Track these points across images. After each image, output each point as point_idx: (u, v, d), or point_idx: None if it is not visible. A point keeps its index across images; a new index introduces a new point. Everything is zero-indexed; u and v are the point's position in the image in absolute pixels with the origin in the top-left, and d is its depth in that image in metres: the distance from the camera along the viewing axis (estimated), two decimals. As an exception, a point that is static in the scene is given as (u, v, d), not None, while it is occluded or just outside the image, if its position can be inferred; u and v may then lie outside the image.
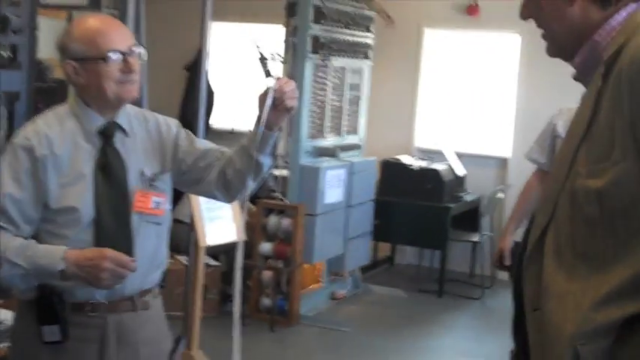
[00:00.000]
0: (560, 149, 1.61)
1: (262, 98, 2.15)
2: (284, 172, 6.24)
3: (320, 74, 6.13)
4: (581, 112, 1.52)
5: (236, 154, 2.32)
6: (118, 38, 2.26)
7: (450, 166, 7.18)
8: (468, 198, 7.23)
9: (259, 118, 2.16)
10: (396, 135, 7.83)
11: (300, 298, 6.03)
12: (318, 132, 6.25)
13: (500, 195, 7.10)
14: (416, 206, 6.93)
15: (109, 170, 2.29)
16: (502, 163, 7.60)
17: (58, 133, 2.26)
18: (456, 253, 7.34)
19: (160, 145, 2.40)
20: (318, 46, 5.96)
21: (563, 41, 1.60)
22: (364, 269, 7.14)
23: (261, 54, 6.20)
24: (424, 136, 7.96)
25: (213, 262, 5.94)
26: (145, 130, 2.39)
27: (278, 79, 2.18)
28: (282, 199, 6.19)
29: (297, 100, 2.19)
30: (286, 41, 6.06)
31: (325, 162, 6.21)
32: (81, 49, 2.24)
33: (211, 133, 8.81)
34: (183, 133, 2.45)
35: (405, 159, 7.21)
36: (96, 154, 2.29)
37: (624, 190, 1.38)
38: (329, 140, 6.37)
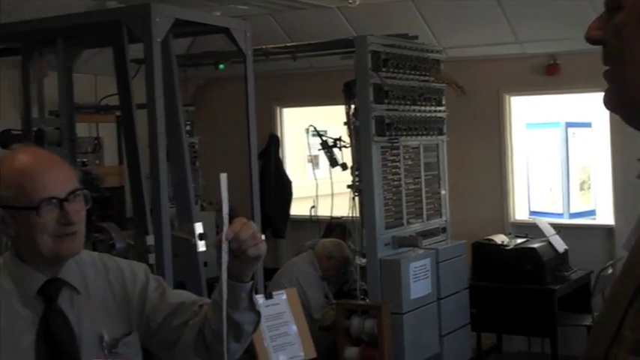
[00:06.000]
0: (612, 290, 0.99)
1: (218, 245, 1.63)
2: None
3: (390, 157, 5.56)
4: None
5: (211, 311, 1.77)
6: (53, 182, 1.76)
7: (548, 242, 6.41)
8: (574, 276, 6.40)
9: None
10: (486, 212, 7.15)
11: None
12: (395, 220, 5.64)
13: (610, 271, 6.24)
14: (516, 290, 6.18)
15: (54, 341, 1.75)
16: (607, 233, 6.75)
17: None
18: (568, 335, 6.51)
19: (125, 299, 1.87)
20: (384, 127, 5.40)
21: None
22: (469, 363, 6.36)
23: (323, 141, 5.71)
24: (519, 210, 7.29)
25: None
26: (105, 282, 1.86)
27: (231, 224, 1.64)
28: (364, 298, 5.58)
29: (259, 249, 1.68)
30: (348, 125, 5.50)
31: (407, 252, 5.59)
32: (7, 195, 1.74)
33: (292, 222, 8.37)
34: (153, 282, 1.92)
35: (499, 238, 6.49)
36: (37, 322, 1.76)
37: None
38: (409, 228, 5.76)
